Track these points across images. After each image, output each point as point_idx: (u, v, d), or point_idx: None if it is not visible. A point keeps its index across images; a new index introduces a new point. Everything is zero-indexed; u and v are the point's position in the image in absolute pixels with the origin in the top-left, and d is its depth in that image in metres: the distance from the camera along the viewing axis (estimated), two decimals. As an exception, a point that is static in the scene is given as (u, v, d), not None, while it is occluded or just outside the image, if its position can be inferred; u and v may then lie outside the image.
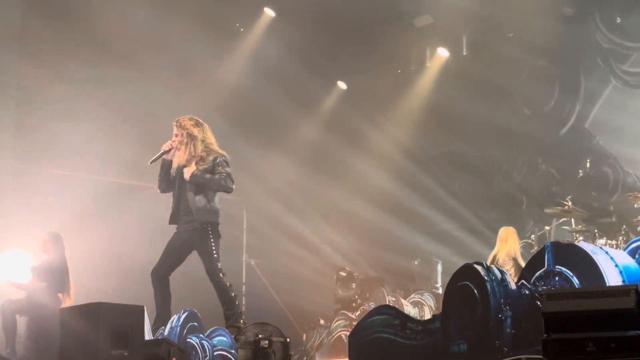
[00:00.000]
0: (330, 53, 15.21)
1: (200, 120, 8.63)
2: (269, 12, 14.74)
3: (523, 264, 10.09)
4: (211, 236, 8.42)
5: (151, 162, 8.62)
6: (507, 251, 11.33)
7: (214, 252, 8.38)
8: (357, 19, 14.79)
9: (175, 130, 8.53)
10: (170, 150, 8.55)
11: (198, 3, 13.68)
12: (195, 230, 8.40)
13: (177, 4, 13.39)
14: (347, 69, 15.61)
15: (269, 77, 14.34)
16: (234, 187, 8.47)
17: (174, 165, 8.56)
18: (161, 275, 8.52)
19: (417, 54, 15.25)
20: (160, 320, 8.33)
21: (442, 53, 14.90)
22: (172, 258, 8.56)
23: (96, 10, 12.93)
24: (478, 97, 14.15)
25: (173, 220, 8.66)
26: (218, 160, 8.43)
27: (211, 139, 8.60)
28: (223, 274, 8.38)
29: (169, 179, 8.64)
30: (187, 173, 8.42)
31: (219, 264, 8.39)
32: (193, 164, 8.44)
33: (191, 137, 8.48)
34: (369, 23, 15.02)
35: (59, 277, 9.88)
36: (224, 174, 8.38)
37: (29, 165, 12.79)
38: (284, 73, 14.38)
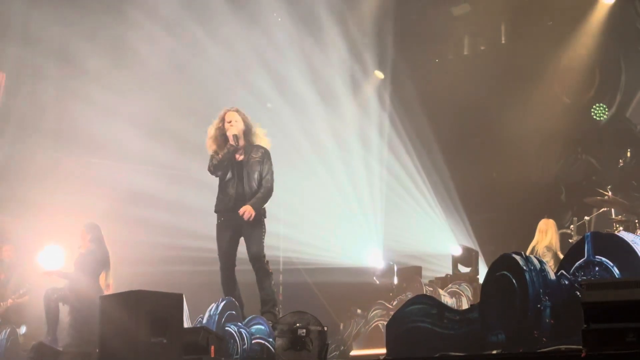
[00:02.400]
0: (366, 42, 15.18)
1: (244, 113, 8.77)
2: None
3: (562, 257, 9.99)
4: (264, 223, 8.56)
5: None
6: (546, 243, 11.19)
7: (263, 237, 8.48)
8: (393, 7, 14.74)
9: (227, 118, 8.64)
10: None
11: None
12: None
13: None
14: (384, 58, 15.56)
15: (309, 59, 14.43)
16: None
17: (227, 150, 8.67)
18: (229, 265, 8.64)
19: (454, 43, 15.15)
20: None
21: (480, 42, 14.77)
22: (231, 247, 8.68)
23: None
24: (516, 86, 14.02)
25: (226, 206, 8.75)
26: (266, 156, 8.63)
27: (259, 129, 8.79)
28: (267, 261, 8.49)
29: (223, 164, 8.73)
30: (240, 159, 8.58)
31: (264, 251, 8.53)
32: (251, 153, 8.59)
33: (240, 127, 8.63)
34: (406, 11, 14.96)
35: (99, 266, 10.00)
36: (270, 181, 8.59)
37: (67, 155, 12.92)
38: (322, 61, 14.41)
